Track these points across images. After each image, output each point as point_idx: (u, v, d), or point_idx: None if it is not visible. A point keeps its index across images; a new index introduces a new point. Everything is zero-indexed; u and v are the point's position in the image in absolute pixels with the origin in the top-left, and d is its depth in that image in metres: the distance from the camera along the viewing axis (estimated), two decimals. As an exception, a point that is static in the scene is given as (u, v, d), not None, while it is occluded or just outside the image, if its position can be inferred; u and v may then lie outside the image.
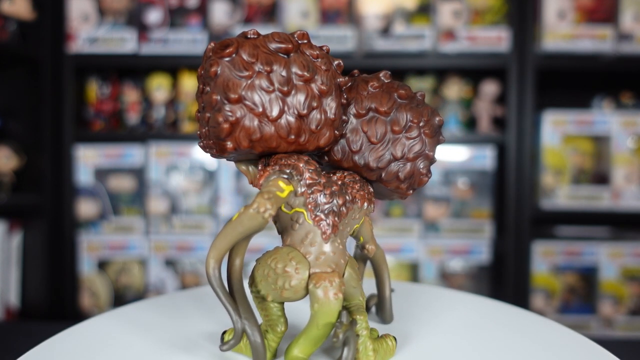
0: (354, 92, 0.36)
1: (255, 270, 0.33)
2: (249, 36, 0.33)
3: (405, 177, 0.37)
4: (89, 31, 1.15)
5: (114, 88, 1.21)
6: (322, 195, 0.33)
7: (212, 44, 0.33)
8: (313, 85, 0.33)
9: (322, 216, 0.33)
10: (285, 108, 0.32)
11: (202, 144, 0.35)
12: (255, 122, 0.32)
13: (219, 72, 0.31)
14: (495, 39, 1.12)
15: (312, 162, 0.34)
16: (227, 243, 0.30)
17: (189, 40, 1.15)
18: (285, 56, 0.33)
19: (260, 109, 0.32)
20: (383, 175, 0.37)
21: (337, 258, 0.33)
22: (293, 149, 0.34)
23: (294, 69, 0.33)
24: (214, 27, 1.15)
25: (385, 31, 1.14)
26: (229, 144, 0.32)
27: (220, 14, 1.15)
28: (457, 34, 1.13)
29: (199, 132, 0.34)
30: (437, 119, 0.37)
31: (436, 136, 0.37)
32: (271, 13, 1.16)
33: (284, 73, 0.32)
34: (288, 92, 0.32)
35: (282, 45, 0.33)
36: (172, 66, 1.18)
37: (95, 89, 1.21)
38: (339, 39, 1.13)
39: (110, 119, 1.21)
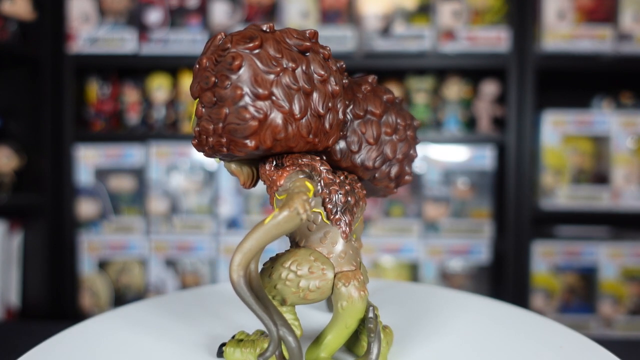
0: (350, 94, 0.37)
1: (269, 275, 0.32)
2: (265, 29, 0.31)
3: (395, 177, 0.39)
4: (89, 31, 1.15)
5: (114, 88, 1.21)
6: (339, 195, 0.33)
7: (223, 35, 0.31)
8: (328, 86, 0.32)
9: (340, 215, 0.33)
10: (308, 107, 0.31)
11: (197, 141, 0.32)
12: (281, 121, 0.30)
13: (244, 65, 0.30)
14: (495, 39, 1.12)
15: (324, 162, 0.34)
16: (257, 247, 0.28)
17: (189, 41, 1.15)
18: (303, 54, 0.32)
19: (287, 107, 0.30)
20: (377, 174, 0.38)
21: (355, 256, 0.33)
22: (307, 149, 0.33)
23: (314, 68, 0.32)
24: (214, 27, 1.15)
25: (385, 31, 1.14)
26: (251, 143, 0.30)
27: (220, 14, 1.15)
28: (457, 34, 1.13)
29: (198, 129, 0.32)
30: (416, 122, 0.40)
31: (416, 138, 0.40)
32: (271, 13, 1.16)
33: (306, 71, 0.31)
34: (311, 91, 0.31)
35: (302, 43, 0.32)
36: (173, 66, 1.18)
37: (95, 89, 1.21)
38: (339, 39, 1.13)
39: (110, 119, 1.21)
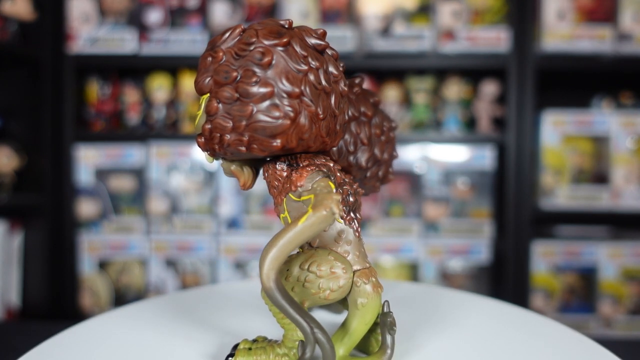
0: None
1: (285, 278, 0.31)
2: (283, 25, 0.30)
3: (382, 176, 0.40)
4: (89, 31, 1.15)
5: (115, 88, 1.21)
6: (350, 195, 0.33)
7: (243, 27, 0.30)
8: (339, 86, 0.32)
9: (353, 215, 0.33)
10: (329, 107, 0.31)
11: (205, 139, 0.30)
12: (308, 120, 0.29)
13: (274, 61, 0.28)
14: (495, 39, 1.12)
15: (335, 162, 0.34)
16: (289, 250, 0.27)
17: (189, 41, 1.15)
18: (320, 53, 0.31)
19: (314, 107, 0.29)
20: (368, 174, 0.39)
21: (366, 254, 0.34)
22: (320, 149, 0.32)
23: (331, 68, 0.31)
24: (214, 27, 1.15)
25: (385, 31, 1.14)
26: (277, 142, 0.29)
27: (220, 14, 1.15)
28: (457, 34, 1.13)
29: (209, 127, 0.30)
30: (394, 124, 0.41)
31: (396, 139, 0.41)
32: (271, 13, 1.16)
33: (326, 71, 0.31)
34: (331, 90, 0.31)
35: (320, 42, 0.31)
36: (173, 66, 1.18)
37: (95, 89, 1.21)
38: (339, 39, 1.13)
39: (110, 119, 1.21)
